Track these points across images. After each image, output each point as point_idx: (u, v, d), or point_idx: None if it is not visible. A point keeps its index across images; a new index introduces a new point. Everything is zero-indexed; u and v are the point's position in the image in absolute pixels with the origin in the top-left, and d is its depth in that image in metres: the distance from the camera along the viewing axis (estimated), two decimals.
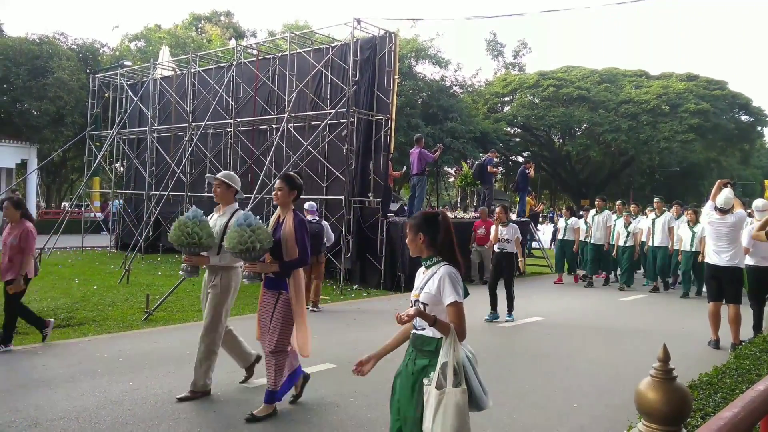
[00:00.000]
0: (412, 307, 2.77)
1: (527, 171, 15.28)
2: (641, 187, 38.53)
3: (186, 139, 14.81)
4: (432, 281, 2.77)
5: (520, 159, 35.02)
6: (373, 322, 8.01)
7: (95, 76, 18.17)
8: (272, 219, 4.47)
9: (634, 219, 12.22)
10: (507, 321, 8.12)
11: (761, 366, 3.75)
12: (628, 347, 6.88)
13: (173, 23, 39.60)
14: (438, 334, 2.68)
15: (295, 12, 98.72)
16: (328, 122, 11.93)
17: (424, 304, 2.74)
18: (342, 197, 11.35)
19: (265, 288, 4.42)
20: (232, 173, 4.92)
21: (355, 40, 11.66)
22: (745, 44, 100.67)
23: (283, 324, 4.25)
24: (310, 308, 8.73)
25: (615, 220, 12.32)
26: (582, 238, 12.45)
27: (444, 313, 2.71)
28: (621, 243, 11.94)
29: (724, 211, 6.73)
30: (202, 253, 4.56)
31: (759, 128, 34.79)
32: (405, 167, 13.31)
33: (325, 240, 8.81)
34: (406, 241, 2.93)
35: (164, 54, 18.66)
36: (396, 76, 11.62)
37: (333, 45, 12.65)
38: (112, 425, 4.07)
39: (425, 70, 30.31)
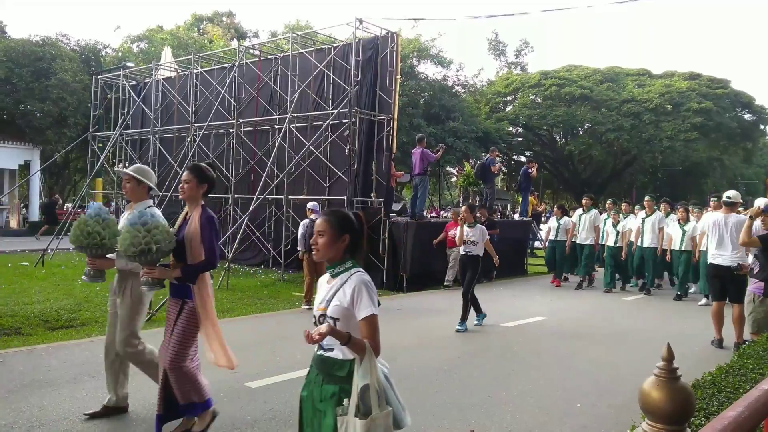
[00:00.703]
0: (315, 322, 2.41)
1: (530, 171, 15.28)
2: (644, 186, 38.43)
3: (188, 139, 14.84)
4: (343, 291, 2.37)
5: (523, 158, 34.99)
6: None
7: (98, 77, 18.24)
8: (180, 216, 3.98)
9: (624, 218, 11.79)
10: (457, 330, 7.37)
11: (765, 365, 3.73)
12: (629, 347, 6.87)
13: (175, 24, 39.82)
14: (348, 355, 2.32)
15: (296, 12, 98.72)
16: (331, 122, 11.94)
17: (334, 319, 2.34)
18: (344, 197, 11.36)
19: (169, 296, 3.92)
20: (145, 167, 4.37)
21: (357, 40, 11.67)
22: (748, 43, 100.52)
23: (183, 336, 3.74)
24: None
25: (605, 220, 11.99)
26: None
27: (356, 328, 2.33)
28: (611, 243, 11.64)
29: (730, 205, 6.72)
30: (108, 256, 4.05)
31: (762, 127, 34.70)
32: (410, 175, 13.12)
33: None
34: (319, 242, 2.42)
35: (166, 55, 18.69)
36: (398, 76, 11.64)
37: (335, 45, 12.66)
38: (115, 426, 4.08)
39: (427, 69, 30.39)
